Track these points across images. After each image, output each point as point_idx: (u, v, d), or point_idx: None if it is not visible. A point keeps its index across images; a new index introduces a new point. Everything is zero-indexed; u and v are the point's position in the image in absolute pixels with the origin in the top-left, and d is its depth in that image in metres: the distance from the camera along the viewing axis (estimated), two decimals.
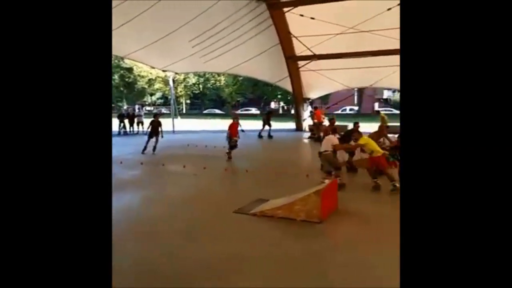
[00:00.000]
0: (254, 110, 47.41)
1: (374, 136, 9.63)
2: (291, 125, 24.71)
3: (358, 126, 9.90)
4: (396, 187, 7.44)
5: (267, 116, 19.90)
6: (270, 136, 18.96)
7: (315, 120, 18.77)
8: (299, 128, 22.86)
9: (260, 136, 19.09)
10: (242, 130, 16.63)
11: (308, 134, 20.06)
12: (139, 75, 46.20)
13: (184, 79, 46.62)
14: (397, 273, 3.91)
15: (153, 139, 13.07)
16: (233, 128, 12.14)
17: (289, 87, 22.57)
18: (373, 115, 30.80)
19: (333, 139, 8.53)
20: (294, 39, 19.19)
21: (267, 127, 19.20)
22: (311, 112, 20.84)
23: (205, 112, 48.66)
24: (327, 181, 7.48)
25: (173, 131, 21.13)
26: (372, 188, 7.80)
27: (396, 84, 22.51)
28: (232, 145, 11.94)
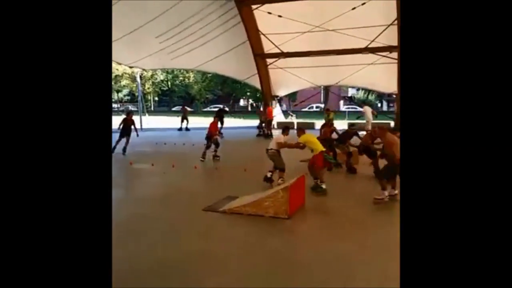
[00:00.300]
0: (222, 107, 47.28)
1: (327, 132, 10.05)
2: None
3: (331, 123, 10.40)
4: (323, 189, 7.34)
5: (219, 114, 19.85)
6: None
7: (266, 118, 19.02)
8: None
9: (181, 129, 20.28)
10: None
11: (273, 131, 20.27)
12: None
13: (152, 75, 45.71)
14: (363, 269, 4.12)
15: (124, 139, 12.10)
16: (213, 126, 11.57)
17: (257, 85, 22.70)
18: (338, 113, 31.47)
19: (280, 138, 8.43)
20: (262, 37, 19.33)
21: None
22: (259, 108, 21.07)
23: (174, 109, 47.97)
24: (280, 181, 7.73)
25: (141, 129, 20.74)
26: (311, 189, 7.50)
27: (360, 83, 23.23)
28: (215, 143, 11.38)
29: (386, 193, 6.89)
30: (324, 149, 7.77)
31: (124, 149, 12.11)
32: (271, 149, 8.16)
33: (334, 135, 10.35)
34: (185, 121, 21.26)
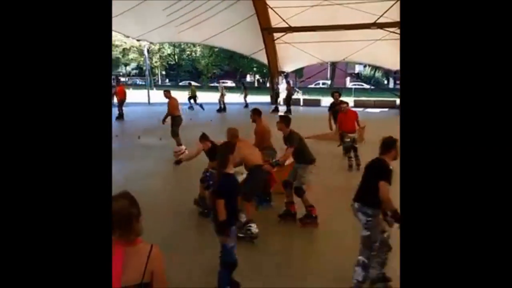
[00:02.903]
0: (230, 83, 47.02)
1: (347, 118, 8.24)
2: (267, 98, 24.85)
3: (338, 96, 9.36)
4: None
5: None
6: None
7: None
8: (274, 101, 23.07)
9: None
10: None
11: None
12: (113, 45, 44.63)
13: (159, 49, 45.36)
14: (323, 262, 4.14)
15: None
16: (173, 103, 10.09)
17: (264, 60, 22.55)
18: (345, 90, 31.21)
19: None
20: (270, 11, 19.06)
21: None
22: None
23: (181, 84, 47.83)
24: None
25: (149, 103, 20.88)
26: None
27: (367, 59, 22.96)
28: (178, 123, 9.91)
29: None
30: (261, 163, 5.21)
31: None
32: None
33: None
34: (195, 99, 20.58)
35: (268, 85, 31.20)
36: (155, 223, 4.87)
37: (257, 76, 50.67)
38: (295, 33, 19.23)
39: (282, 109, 20.27)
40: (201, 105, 20.08)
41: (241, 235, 4.54)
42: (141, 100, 21.90)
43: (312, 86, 42.17)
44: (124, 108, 16.28)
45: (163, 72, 52.35)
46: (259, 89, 42.56)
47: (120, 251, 1.82)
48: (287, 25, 18.87)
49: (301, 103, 22.85)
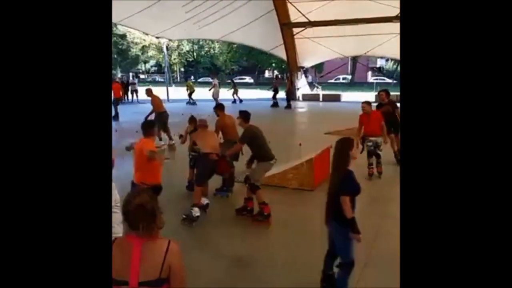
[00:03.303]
0: (248, 79, 46.98)
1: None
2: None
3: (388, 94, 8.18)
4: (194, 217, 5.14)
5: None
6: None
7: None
8: (293, 97, 22.86)
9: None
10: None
11: None
12: (132, 42, 45.18)
13: (178, 46, 45.66)
14: (386, 239, 4.14)
15: None
16: (156, 101, 10.03)
17: (283, 55, 22.35)
18: (366, 85, 30.70)
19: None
20: (289, 6, 18.83)
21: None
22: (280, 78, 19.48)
23: (199, 80, 48.13)
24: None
25: (168, 100, 21.03)
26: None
27: (390, 53, 22.42)
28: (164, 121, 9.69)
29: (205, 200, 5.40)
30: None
31: None
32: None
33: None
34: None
35: (286, 80, 31.00)
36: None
37: (276, 72, 50.42)
38: (314, 28, 18.95)
39: (301, 104, 20.09)
40: (193, 102, 20.62)
41: (184, 216, 5.00)
42: (160, 96, 22.10)
43: (332, 81, 41.63)
44: (140, 106, 16.37)
45: (182, 69, 52.70)
46: (279, 85, 42.34)
47: (139, 247, 1.82)
48: (306, 20, 18.60)
49: (321, 99, 22.52)
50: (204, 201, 5.38)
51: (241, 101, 21.04)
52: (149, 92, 10.36)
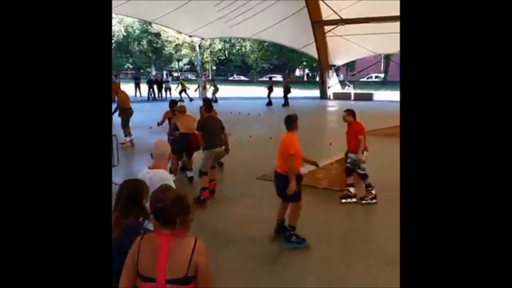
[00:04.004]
0: (278, 77, 46.93)
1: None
2: (316, 92, 24.47)
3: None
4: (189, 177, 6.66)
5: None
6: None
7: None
8: (323, 95, 22.62)
9: None
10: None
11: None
12: (166, 41, 46.19)
13: (210, 44, 46.20)
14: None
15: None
16: (122, 97, 9.95)
17: (314, 53, 22.16)
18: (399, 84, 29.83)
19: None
20: (321, 3, 18.65)
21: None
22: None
23: (230, 78, 48.53)
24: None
25: (200, 97, 21.36)
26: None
27: None
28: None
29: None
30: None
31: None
32: None
33: None
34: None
35: (317, 79, 30.68)
36: None
37: (307, 70, 50.01)
38: (346, 25, 18.65)
39: (331, 103, 19.85)
40: (181, 99, 20.10)
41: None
42: (192, 94, 22.50)
43: (364, 79, 40.83)
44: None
45: (214, 67, 53.30)
46: (309, 83, 42.02)
47: (166, 244, 1.82)
48: (338, 17, 18.35)
49: (352, 97, 22.15)
50: (188, 174, 6.76)
51: (216, 100, 20.56)
52: (115, 88, 10.38)
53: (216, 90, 21.78)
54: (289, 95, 19.47)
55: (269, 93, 20.12)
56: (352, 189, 5.86)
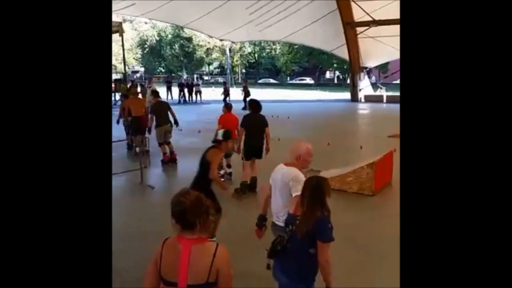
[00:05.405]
0: (308, 80, 46.57)
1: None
2: (347, 95, 24.10)
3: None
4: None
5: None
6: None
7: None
8: (354, 98, 22.24)
9: None
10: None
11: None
12: (197, 45, 47.03)
13: (240, 48, 46.63)
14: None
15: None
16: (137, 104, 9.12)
17: (345, 55, 21.85)
18: None
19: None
20: (353, 4, 18.38)
21: None
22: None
23: (260, 81, 48.67)
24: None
25: (229, 100, 21.55)
26: None
27: None
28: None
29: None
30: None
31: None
32: None
33: None
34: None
35: (348, 81, 30.23)
36: None
37: (337, 72, 49.38)
38: (379, 27, 18.28)
39: (362, 106, 19.44)
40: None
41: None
42: (221, 97, 22.74)
43: (398, 82, 39.78)
44: (204, 106, 16.82)
45: (243, 70, 53.67)
46: (339, 86, 41.47)
47: (188, 248, 1.80)
48: (370, 19, 18.01)
49: (384, 100, 21.62)
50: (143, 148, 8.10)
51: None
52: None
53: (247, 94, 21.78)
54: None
55: (245, 97, 18.76)
56: None
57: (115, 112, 10.38)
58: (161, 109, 8.11)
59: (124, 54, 19.13)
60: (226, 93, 21.17)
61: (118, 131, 8.97)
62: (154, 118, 7.88)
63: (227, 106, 7.20)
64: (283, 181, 3.09)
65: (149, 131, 8.33)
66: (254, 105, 6.27)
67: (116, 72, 31.83)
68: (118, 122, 9.20)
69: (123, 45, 17.87)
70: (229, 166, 7.21)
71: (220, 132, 4.51)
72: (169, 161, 7.88)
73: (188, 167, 7.66)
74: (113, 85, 17.30)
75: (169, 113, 8.25)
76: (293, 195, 2.98)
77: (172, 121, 8.23)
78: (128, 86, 9.65)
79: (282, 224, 2.97)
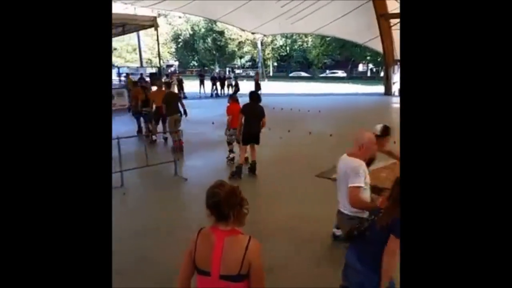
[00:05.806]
0: (340, 73, 45.81)
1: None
2: (380, 88, 23.57)
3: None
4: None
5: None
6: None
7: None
8: (388, 92, 21.73)
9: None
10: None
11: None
12: (230, 38, 47.32)
13: (272, 41, 46.51)
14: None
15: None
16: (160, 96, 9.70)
17: (379, 48, 21.35)
18: None
19: None
20: None
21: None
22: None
23: (291, 75, 48.39)
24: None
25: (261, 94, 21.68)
26: None
27: None
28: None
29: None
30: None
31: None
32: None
33: None
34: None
35: (382, 74, 29.51)
36: None
37: (370, 65, 48.28)
38: None
39: (394, 100, 18.99)
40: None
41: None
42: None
43: None
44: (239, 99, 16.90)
45: (275, 64, 53.52)
46: (372, 79, 40.57)
47: (221, 240, 1.85)
48: None
49: None
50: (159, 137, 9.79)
51: (185, 97, 20.00)
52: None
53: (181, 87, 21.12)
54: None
55: (256, 90, 17.44)
56: None
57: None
58: (172, 100, 9.08)
59: (159, 48, 19.52)
60: (258, 86, 21.19)
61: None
62: (165, 107, 8.92)
63: (233, 98, 8.03)
64: (344, 171, 3.15)
65: (164, 121, 9.62)
66: (254, 96, 7.15)
67: (152, 66, 32.59)
68: (129, 110, 10.58)
69: (158, 39, 18.01)
70: (231, 151, 7.91)
71: None
72: (178, 148, 8.53)
73: (219, 160, 7.86)
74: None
75: (179, 104, 9.24)
76: (348, 185, 3.03)
77: (182, 111, 9.20)
78: (163, 80, 10.88)
79: (347, 213, 3.16)
